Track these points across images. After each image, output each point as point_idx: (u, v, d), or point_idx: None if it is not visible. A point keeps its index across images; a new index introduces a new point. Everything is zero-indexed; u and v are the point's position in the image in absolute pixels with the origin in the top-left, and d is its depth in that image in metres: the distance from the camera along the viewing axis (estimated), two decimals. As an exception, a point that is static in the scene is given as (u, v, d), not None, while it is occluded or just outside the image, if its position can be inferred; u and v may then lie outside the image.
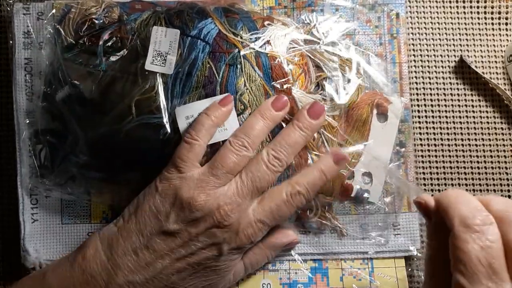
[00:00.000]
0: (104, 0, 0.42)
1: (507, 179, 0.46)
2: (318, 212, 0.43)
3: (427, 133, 0.46)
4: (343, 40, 0.45)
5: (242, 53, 0.39)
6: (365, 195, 0.44)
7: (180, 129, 0.38)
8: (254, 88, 0.39)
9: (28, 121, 0.43)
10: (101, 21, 0.41)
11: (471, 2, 0.47)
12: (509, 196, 0.45)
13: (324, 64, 0.42)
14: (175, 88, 0.38)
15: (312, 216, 0.43)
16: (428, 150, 0.46)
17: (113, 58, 0.39)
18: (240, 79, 0.39)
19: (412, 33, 0.47)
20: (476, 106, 0.46)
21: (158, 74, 0.38)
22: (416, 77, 0.47)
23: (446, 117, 0.46)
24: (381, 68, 0.45)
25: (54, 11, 0.43)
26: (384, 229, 0.44)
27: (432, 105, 0.46)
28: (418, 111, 0.46)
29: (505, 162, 0.46)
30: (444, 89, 0.46)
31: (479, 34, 0.47)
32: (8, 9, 0.45)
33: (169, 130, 0.38)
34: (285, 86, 0.40)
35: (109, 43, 0.40)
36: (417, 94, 0.46)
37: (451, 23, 0.47)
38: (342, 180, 0.43)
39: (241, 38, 0.40)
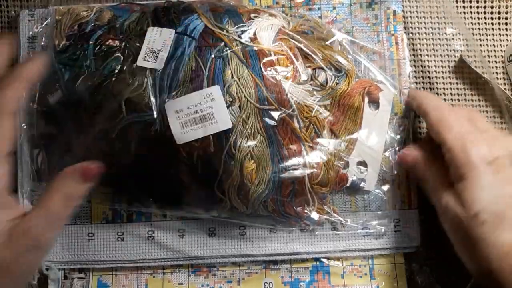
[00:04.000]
0: (95, 5, 0.43)
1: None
2: (315, 205, 0.42)
3: (427, 132, 0.46)
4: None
5: (228, 46, 0.39)
6: (361, 184, 0.43)
7: (170, 124, 0.37)
8: (242, 80, 0.38)
9: (24, 126, 0.42)
10: (92, 24, 0.41)
11: (471, 2, 0.47)
12: (509, 195, 0.45)
13: (314, 54, 0.41)
14: (163, 84, 0.38)
15: (309, 210, 0.42)
16: (428, 150, 0.46)
17: (103, 59, 0.39)
18: (227, 71, 0.38)
19: (412, 33, 0.46)
20: (476, 106, 0.46)
21: (146, 71, 0.38)
22: (416, 77, 0.46)
23: (446, 117, 0.46)
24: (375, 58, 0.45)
25: (49, 19, 0.43)
26: (384, 217, 0.44)
27: (432, 105, 0.46)
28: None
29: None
30: (444, 89, 0.46)
31: (479, 34, 0.47)
32: (14, 13, 0.46)
33: (159, 126, 0.37)
34: (275, 76, 0.39)
35: (99, 45, 0.40)
36: None
37: (451, 22, 0.46)
38: (337, 170, 0.42)
39: (227, 32, 0.39)
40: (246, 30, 0.40)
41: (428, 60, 0.46)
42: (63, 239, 0.44)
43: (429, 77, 0.46)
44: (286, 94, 0.39)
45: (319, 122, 0.40)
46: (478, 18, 0.47)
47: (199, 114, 0.37)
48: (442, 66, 0.46)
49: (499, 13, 0.47)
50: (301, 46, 0.41)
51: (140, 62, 0.38)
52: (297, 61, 0.40)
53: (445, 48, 0.46)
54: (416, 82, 0.46)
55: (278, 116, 0.38)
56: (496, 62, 0.46)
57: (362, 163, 0.43)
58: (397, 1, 0.46)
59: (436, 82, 0.46)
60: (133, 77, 0.38)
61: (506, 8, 0.47)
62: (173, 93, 0.38)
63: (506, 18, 0.47)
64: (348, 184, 0.43)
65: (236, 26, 0.40)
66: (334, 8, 0.46)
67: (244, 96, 0.38)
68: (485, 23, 0.47)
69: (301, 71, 0.40)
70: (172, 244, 0.44)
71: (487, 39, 0.46)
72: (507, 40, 0.46)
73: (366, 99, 0.43)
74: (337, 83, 0.41)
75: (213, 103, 0.37)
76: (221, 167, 0.38)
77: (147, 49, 0.39)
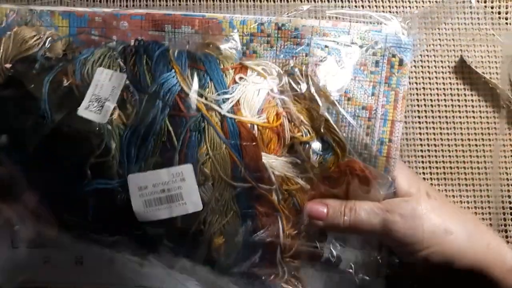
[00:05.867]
0: (45, 31, 0.36)
1: (507, 179, 0.45)
2: (284, 277, 0.38)
3: (427, 133, 0.45)
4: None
5: (205, 117, 0.33)
6: (335, 261, 0.39)
7: (131, 200, 0.32)
8: (218, 157, 0.33)
9: None
10: (43, 55, 0.34)
11: (471, 2, 0.46)
12: (509, 196, 0.45)
13: (303, 124, 0.36)
14: (131, 152, 0.32)
15: (278, 281, 0.38)
16: (428, 150, 0.45)
17: (61, 110, 0.33)
18: (202, 147, 0.33)
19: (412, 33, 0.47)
20: (476, 106, 0.45)
21: (113, 133, 0.32)
22: (416, 77, 0.45)
23: (446, 117, 0.45)
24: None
25: None
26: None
27: (432, 105, 0.45)
28: (418, 111, 0.45)
29: (505, 162, 0.45)
30: (444, 89, 0.46)
31: (479, 34, 0.46)
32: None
33: (124, 197, 0.33)
34: (256, 152, 0.34)
35: (54, 88, 0.33)
36: (417, 94, 0.45)
37: (451, 23, 0.46)
38: (312, 244, 0.38)
39: (206, 99, 0.33)
40: (228, 98, 0.34)
41: (428, 61, 0.46)
42: (17, 262, 0.40)
43: (429, 77, 0.46)
44: (267, 170, 0.34)
45: (299, 194, 0.36)
46: (478, 18, 0.46)
47: (165, 194, 0.33)
48: (442, 67, 0.46)
49: (499, 13, 0.46)
50: (290, 112, 0.36)
51: (82, 111, 0.32)
52: (282, 132, 0.35)
53: (445, 48, 0.46)
54: (416, 83, 0.46)
55: (256, 193, 0.34)
56: (496, 62, 0.46)
57: (340, 239, 0.39)
58: (405, 48, 0.37)
59: (436, 82, 0.46)
60: (97, 138, 0.32)
61: (506, 8, 0.46)
62: (139, 165, 0.33)
63: (506, 18, 0.46)
64: (322, 260, 0.39)
65: (217, 93, 0.34)
66: (326, 46, 0.37)
67: (219, 175, 0.33)
68: (485, 23, 0.46)
69: (286, 142, 0.36)
70: (133, 271, 0.39)
71: (487, 39, 0.46)
72: (507, 40, 0.46)
73: (356, 180, 0.37)
74: (322, 161, 0.36)
75: (182, 184, 0.32)
76: (188, 241, 0.35)
77: (92, 95, 0.32)
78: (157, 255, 0.37)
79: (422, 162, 0.45)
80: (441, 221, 0.36)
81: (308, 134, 0.36)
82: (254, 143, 0.34)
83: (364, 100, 0.37)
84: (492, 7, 0.46)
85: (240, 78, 0.35)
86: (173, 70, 0.34)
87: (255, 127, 0.34)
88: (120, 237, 0.36)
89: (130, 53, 0.34)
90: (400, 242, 0.36)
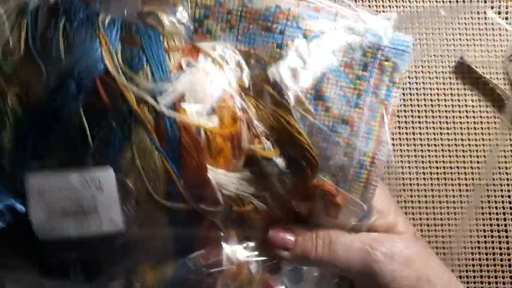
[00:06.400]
0: None
1: (507, 179, 0.45)
2: None
3: (427, 133, 0.45)
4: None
5: (135, 112, 0.25)
6: None
7: (29, 209, 0.24)
8: (148, 168, 0.25)
9: None
10: None
11: (471, 2, 0.47)
12: (509, 196, 0.45)
13: (266, 135, 0.28)
14: (27, 143, 0.24)
15: None
16: (428, 150, 0.45)
17: None
18: (127, 152, 0.25)
19: (412, 33, 0.47)
20: (476, 106, 0.45)
21: (6, 119, 0.24)
22: (416, 77, 0.46)
23: (446, 117, 0.45)
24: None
25: None
26: None
27: (432, 105, 0.45)
28: (418, 111, 0.45)
29: (505, 162, 0.45)
30: (444, 89, 0.46)
31: (479, 34, 0.46)
32: None
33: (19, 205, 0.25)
34: (201, 163, 0.26)
35: None
36: (417, 94, 0.45)
37: (451, 23, 0.46)
38: (264, 279, 0.31)
39: (137, 86, 0.24)
40: (168, 89, 0.25)
41: (428, 61, 0.46)
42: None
43: (429, 77, 0.46)
44: (213, 189, 0.27)
45: (252, 215, 0.30)
46: (478, 18, 0.46)
47: (74, 204, 0.25)
48: (442, 67, 0.46)
49: (499, 13, 0.46)
50: (250, 117, 0.28)
51: None
52: (238, 141, 0.28)
53: (445, 48, 0.46)
54: (416, 83, 0.46)
55: (196, 214, 0.27)
56: (496, 62, 0.46)
57: (296, 271, 0.33)
58: (402, 52, 0.29)
59: (437, 82, 0.46)
60: None
61: (506, 8, 0.46)
62: (38, 161, 0.25)
63: (506, 18, 0.46)
64: None
65: (153, 79, 0.25)
66: (305, 36, 0.28)
67: (147, 191, 0.26)
68: (485, 23, 0.46)
69: (241, 154, 0.28)
70: None
71: (487, 39, 0.46)
72: (507, 40, 0.46)
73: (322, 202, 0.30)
74: (286, 181, 0.29)
75: (98, 194, 0.25)
76: (104, 270, 0.28)
77: None
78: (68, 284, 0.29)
79: (422, 162, 0.45)
80: (424, 268, 0.32)
81: (271, 148, 0.28)
82: (198, 153, 0.26)
83: (345, 112, 0.29)
84: (492, 7, 0.46)
85: (188, 64, 0.26)
86: (98, 42, 0.25)
87: (202, 131, 0.26)
88: (16, 259, 0.27)
89: (46, 12, 0.25)
90: (378, 285, 0.31)
